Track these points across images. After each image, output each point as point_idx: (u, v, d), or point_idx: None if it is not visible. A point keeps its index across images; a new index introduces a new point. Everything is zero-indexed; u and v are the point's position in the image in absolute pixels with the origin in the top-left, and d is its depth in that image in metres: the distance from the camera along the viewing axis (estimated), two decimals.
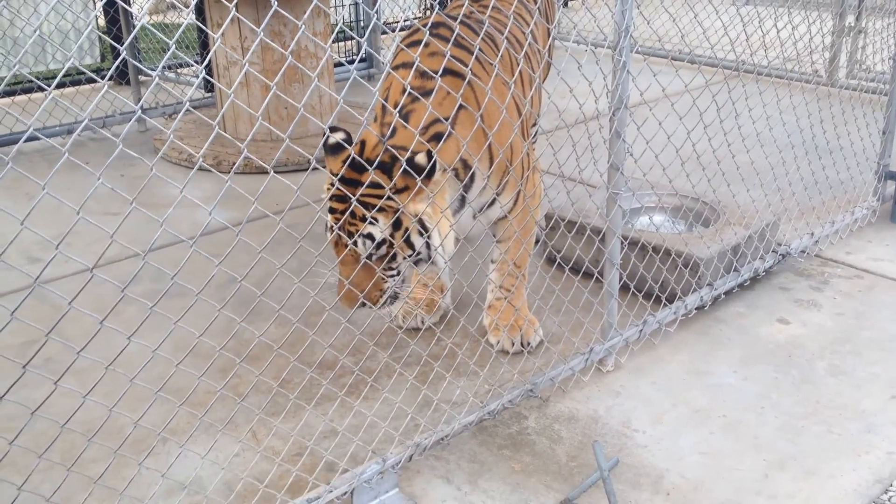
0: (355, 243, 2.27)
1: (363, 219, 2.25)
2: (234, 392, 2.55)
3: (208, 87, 5.71)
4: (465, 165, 2.49)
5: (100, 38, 6.33)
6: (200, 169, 4.39)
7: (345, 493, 2.20)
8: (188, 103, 1.68)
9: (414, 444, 2.32)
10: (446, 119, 2.33)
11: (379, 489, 2.27)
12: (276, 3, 1.74)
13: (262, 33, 1.78)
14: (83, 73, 5.41)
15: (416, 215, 2.31)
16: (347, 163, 2.27)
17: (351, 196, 2.19)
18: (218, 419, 2.42)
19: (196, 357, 1.99)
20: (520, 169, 2.69)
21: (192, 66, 6.01)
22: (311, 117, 2.04)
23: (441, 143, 2.31)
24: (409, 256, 2.35)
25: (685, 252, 3.06)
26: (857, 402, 2.67)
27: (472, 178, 2.54)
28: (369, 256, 2.30)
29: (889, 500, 2.29)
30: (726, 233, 3.23)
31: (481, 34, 2.50)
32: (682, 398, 2.70)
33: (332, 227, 2.31)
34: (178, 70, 6.04)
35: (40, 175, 1.43)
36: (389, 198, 2.23)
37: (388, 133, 2.39)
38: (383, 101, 2.55)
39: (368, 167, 2.18)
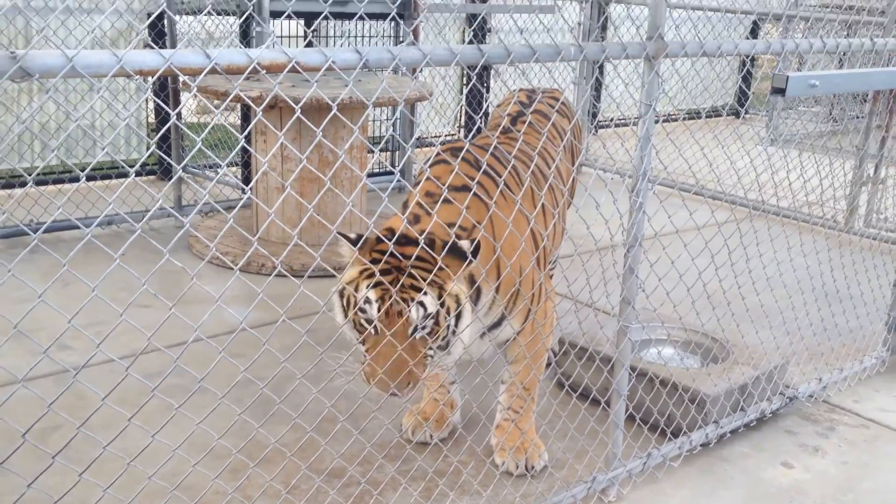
0: (408, 307, 2.32)
1: (414, 288, 2.33)
2: (244, 494, 2.61)
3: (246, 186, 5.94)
4: (472, 280, 2.59)
5: (147, 135, 6.64)
6: (229, 268, 4.52)
7: None
8: (229, 211, 1.82)
9: None
10: (461, 227, 2.50)
11: None
12: (321, 129, 1.90)
13: (305, 159, 1.94)
14: (128, 166, 5.69)
15: (455, 296, 2.41)
16: (394, 240, 2.37)
17: (403, 268, 2.32)
18: None
19: (211, 456, 2.07)
20: (531, 298, 2.79)
21: (233, 167, 6.28)
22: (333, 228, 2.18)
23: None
24: (443, 339, 2.42)
25: (692, 387, 3.13)
26: None
27: (477, 293, 2.62)
28: (414, 330, 2.35)
29: None
30: (734, 371, 3.30)
31: (507, 167, 2.67)
32: None
33: (377, 300, 2.34)
34: (218, 170, 6.30)
35: (78, 264, 1.57)
36: (437, 274, 2.35)
37: (413, 220, 2.53)
38: (419, 200, 2.67)
39: (419, 242, 2.33)
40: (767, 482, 3.03)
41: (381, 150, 6.90)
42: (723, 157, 3.76)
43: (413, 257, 2.35)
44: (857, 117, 7.41)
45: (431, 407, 3.07)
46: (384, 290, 2.33)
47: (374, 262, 2.34)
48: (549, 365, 3.49)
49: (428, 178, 2.72)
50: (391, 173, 6.69)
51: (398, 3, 2.50)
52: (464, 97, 7.51)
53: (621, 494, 2.89)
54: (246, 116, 6.14)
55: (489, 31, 7.65)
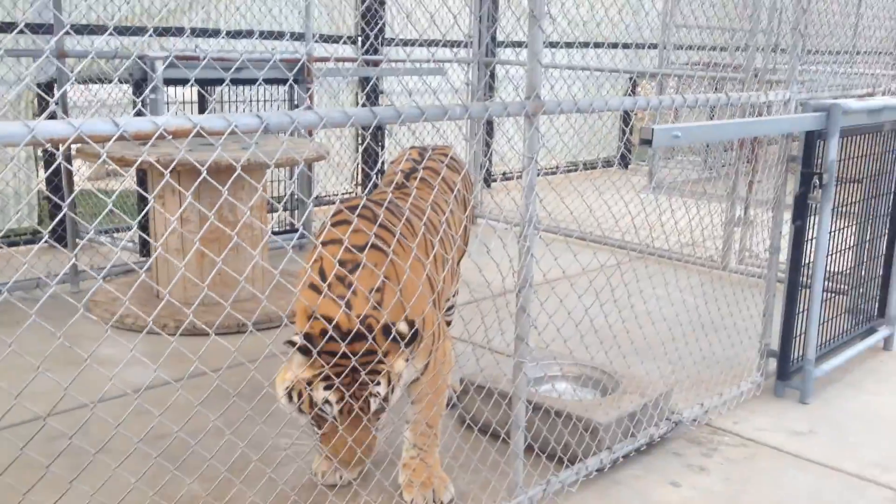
0: (368, 404, 2.61)
1: (371, 382, 2.60)
2: None
3: (143, 251, 5.95)
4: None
5: (39, 202, 6.57)
6: (131, 329, 4.53)
7: None
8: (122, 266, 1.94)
9: None
10: (377, 290, 2.67)
11: None
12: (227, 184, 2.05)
13: (213, 216, 2.08)
14: (20, 234, 5.60)
15: (399, 373, 2.68)
16: (339, 336, 2.57)
17: (355, 366, 2.56)
18: None
19: None
20: (431, 338, 2.98)
21: (129, 230, 6.27)
22: (247, 285, 2.32)
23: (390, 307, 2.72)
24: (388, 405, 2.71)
25: (585, 417, 3.34)
26: None
27: None
28: (374, 414, 2.65)
29: None
30: (624, 400, 3.54)
31: (402, 219, 2.87)
32: None
33: (336, 402, 2.59)
34: (115, 234, 6.28)
35: None
36: (381, 361, 2.61)
37: (346, 306, 2.67)
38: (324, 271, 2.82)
39: (362, 335, 2.59)
40: (658, 501, 3.26)
41: (282, 210, 7.01)
42: (605, 205, 4.07)
43: (363, 353, 2.59)
44: (728, 164, 7.98)
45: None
46: (343, 392, 2.59)
47: (326, 361, 2.57)
48: (450, 403, 3.65)
49: (335, 241, 2.84)
50: (293, 231, 6.80)
51: (293, 69, 2.69)
52: (360, 156, 7.72)
53: None
54: (142, 181, 6.16)
55: (381, 93, 7.92)
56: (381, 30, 7.90)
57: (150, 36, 6.35)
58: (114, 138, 1.90)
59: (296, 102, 6.80)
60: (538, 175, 3.03)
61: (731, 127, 3.66)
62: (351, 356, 2.57)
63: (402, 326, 2.64)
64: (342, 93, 7.77)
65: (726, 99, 3.81)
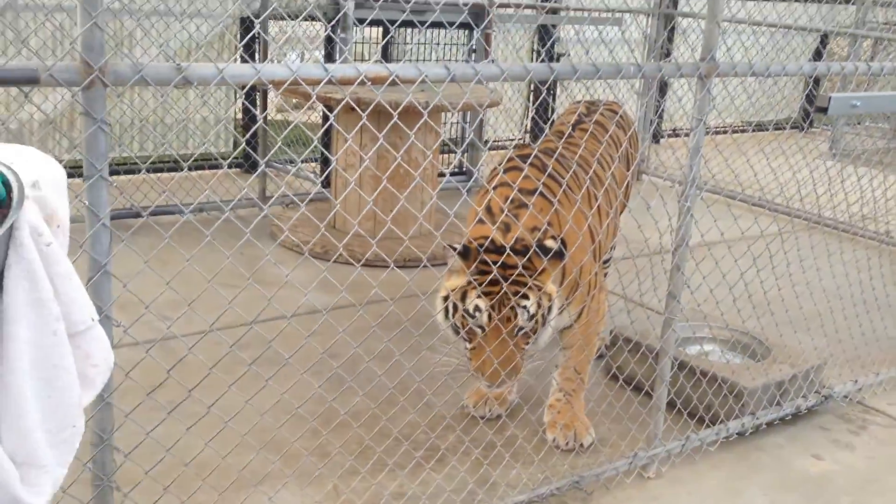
0: (515, 314, 2.76)
1: (521, 295, 2.75)
2: (323, 451, 2.99)
3: (325, 182, 6.37)
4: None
5: (235, 129, 7.13)
6: (313, 256, 4.94)
7: None
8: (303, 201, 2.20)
9: None
10: (536, 229, 2.86)
11: None
12: (396, 117, 2.27)
13: (400, 154, 2.30)
14: (218, 158, 6.13)
15: (550, 295, 2.84)
16: (496, 251, 2.78)
17: (508, 276, 2.72)
18: (306, 472, 2.85)
19: (295, 419, 2.49)
20: (587, 287, 3.13)
21: (314, 162, 6.71)
22: (420, 218, 2.55)
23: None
24: (537, 333, 2.86)
25: (731, 380, 3.41)
26: None
27: None
28: (519, 330, 2.79)
29: None
30: (773, 369, 3.57)
31: (569, 170, 3.01)
32: None
33: (486, 308, 2.77)
34: (301, 165, 6.75)
35: (173, 246, 1.97)
36: (536, 278, 2.78)
37: (504, 229, 2.88)
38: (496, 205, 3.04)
39: (518, 251, 2.76)
40: (798, 470, 3.30)
41: (452, 152, 7.27)
42: (782, 170, 4.03)
43: (515, 266, 2.74)
44: None
45: None
46: (493, 298, 2.75)
47: (481, 272, 2.75)
48: (599, 356, 3.80)
49: (505, 184, 3.06)
50: (461, 173, 7.05)
51: (476, 14, 2.89)
52: (532, 107, 7.82)
53: (660, 472, 3.20)
54: (326, 116, 6.56)
55: (558, 40, 7.96)
56: None
57: None
58: (323, 82, 2.15)
59: (474, 47, 6.97)
60: (707, 134, 3.08)
61: None
62: (504, 267, 2.74)
63: (550, 242, 2.79)
64: (518, 38, 7.87)
65: None
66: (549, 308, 2.85)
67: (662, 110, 7.77)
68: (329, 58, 6.36)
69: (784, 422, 3.58)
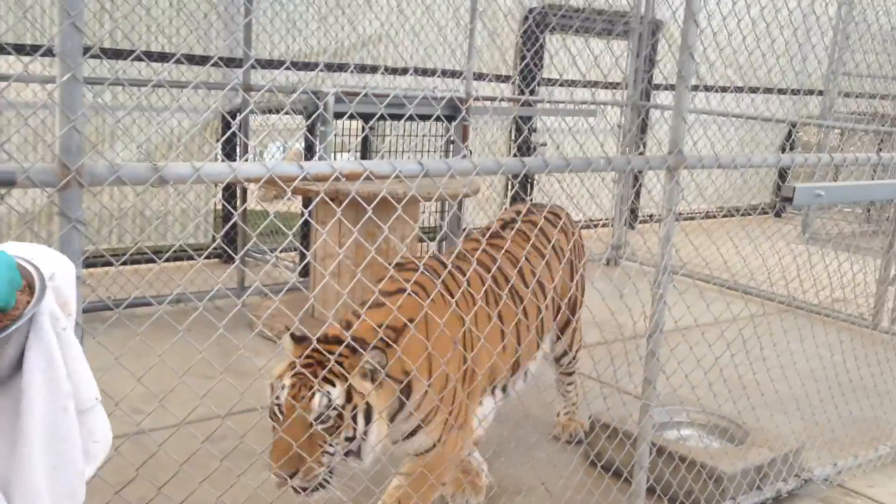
0: (312, 396, 2.48)
1: (324, 379, 2.50)
2: None
3: (303, 273, 6.41)
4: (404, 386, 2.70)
5: (214, 220, 7.20)
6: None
7: None
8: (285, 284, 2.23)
9: None
10: (391, 327, 2.66)
11: None
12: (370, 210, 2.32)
13: (356, 233, 2.35)
14: (197, 250, 6.17)
15: (364, 395, 2.54)
16: (325, 341, 2.59)
17: (322, 362, 2.51)
18: None
19: None
20: (447, 412, 2.81)
21: (293, 251, 6.77)
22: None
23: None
24: (348, 440, 2.53)
25: (710, 465, 3.41)
26: None
27: (408, 389, 2.71)
28: (318, 418, 2.48)
29: None
30: (752, 452, 3.57)
31: (462, 280, 2.92)
32: None
33: (289, 387, 2.52)
34: (279, 255, 6.80)
35: (149, 338, 1.99)
36: (342, 366, 2.53)
37: (346, 325, 2.71)
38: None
39: (342, 341, 2.54)
40: None
41: (430, 241, 7.35)
42: (745, 254, 4.12)
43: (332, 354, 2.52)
44: (889, 219, 7.70)
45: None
46: (298, 377, 2.51)
47: (306, 360, 2.54)
48: (576, 440, 3.79)
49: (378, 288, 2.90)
50: None
51: (453, 107, 2.98)
52: (508, 201, 7.98)
53: None
54: (306, 205, 6.65)
55: (534, 130, 8.16)
56: (537, 70, 8.16)
57: (322, 71, 6.87)
58: (298, 179, 2.22)
59: (452, 138, 7.14)
60: (679, 221, 3.16)
61: (878, 188, 3.65)
62: (320, 354, 2.54)
63: (368, 335, 2.59)
64: (496, 129, 8.07)
65: (877, 159, 3.79)
66: (367, 413, 2.55)
67: (637, 196, 7.93)
68: (310, 150, 6.49)
69: None
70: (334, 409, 2.50)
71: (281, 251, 6.87)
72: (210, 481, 2.32)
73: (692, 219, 3.91)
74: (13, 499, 1.21)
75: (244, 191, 6.58)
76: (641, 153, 2.83)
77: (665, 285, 3.12)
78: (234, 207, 6.60)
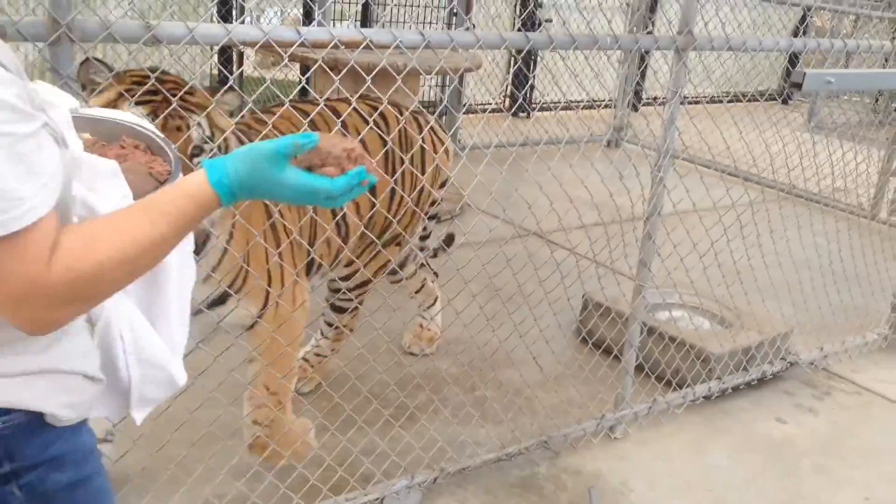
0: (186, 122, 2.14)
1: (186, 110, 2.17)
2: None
3: None
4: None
5: (210, 85, 7.06)
6: None
7: (377, 499, 2.65)
8: None
9: (439, 469, 2.77)
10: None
11: (405, 501, 2.70)
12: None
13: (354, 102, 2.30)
14: None
15: (223, 128, 2.24)
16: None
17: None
18: None
19: None
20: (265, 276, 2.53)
21: None
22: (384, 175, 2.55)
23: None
24: None
25: (699, 346, 3.47)
26: (832, 497, 3.02)
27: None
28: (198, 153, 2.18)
29: None
30: (741, 335, 3.63)
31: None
32: (678, 470, 3.08)
33: (148, 115, 2.10)
34: None
35: None
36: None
37: None
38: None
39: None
40: (761, 433, 3.38)
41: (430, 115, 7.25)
42: (750, 140, 4.06)
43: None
44: (895, 109, 7.59)
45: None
46: (154, 106, 2.09)
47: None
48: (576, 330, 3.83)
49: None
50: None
51: None
52: (510, 76, 7.81)
53: (627, 433, 3.26)
54: (304, 73, 6.52)
55: (540, 5, 7.91)
56: None
57: None
58: (296, 44, 2.15)
59: (455, 10, 6.93)
60: (684, 104, 3.10)
61: (889, 77, 3.57)
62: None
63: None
64: (500, 2, 7.82)
65: (891, 47, 3.68)
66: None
67: (643, 77, 7.78)
68: (308, 16, 6.30)
69: (750, 386, 3.65)
70: (205, 141, 2.17)
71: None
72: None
73: (697, 102, 3.84)
74: (158, 327, 1.40)
75: (240, 55, 6.43)
76: (650, 32, 2.75)
77: (665, 169, 3.09)
78: (231, 73, 6.45)
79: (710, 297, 3.88)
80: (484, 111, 6.29)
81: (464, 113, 6.09)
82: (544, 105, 7.73)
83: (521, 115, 7.76)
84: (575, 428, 3.09)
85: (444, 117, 7.24)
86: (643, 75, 8.37)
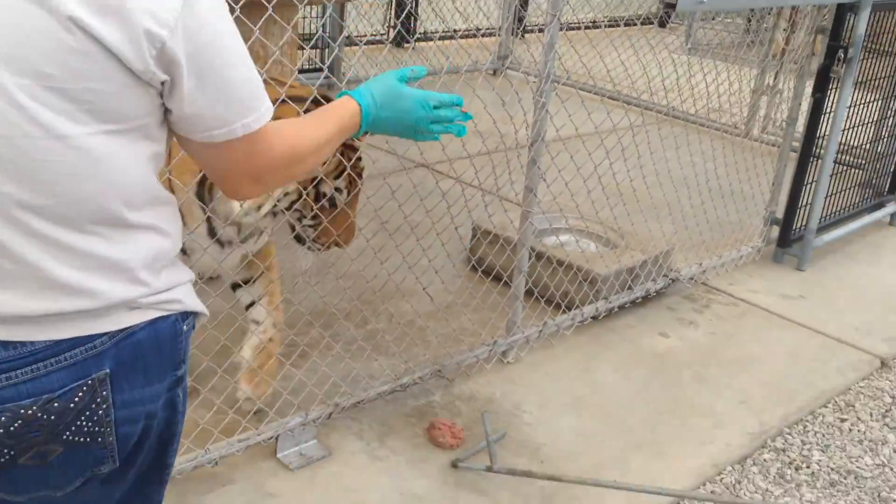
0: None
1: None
2: None
3: None
4: None
5: None
6: None
7: (270, 438, 2.63)
8: None
9: (333, 404, 2.76)
10: None
11: (300, 438, 2.69)
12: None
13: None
14: None
15: None
16: None
17: None
18: None
19: None
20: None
21: None
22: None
23: None
24: None
25: (586, 268, 3.55)
26: (711, 404, 3.18)
27: None
28: None
29: (720, 480, 2.79)
30: (625, 256, 3.73)
31: None
32: (568, 388, 3.18)
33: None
34: None
35: None
36: None
37: None
38: None
39: None
40: (646, 348, 3.51)
41: (310, 48, 7.05)
42: (627, 63, 4.12)
43: None
44: (766, 29, 7.82)
45: None
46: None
47: None
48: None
49: None
50: (319, 70, 6.87)
51: None
52: (393, 9, 7.65)
53: (519, 357, 3.33)
54: None
55: None
56: None
57: None
58: None
59: None
60: (564, 30, 3.10)
61: None
62: None
63: None
64: None
65: None
66: None
67: (525, 5, 7.75)
68: None
69: (635, 304, 3.77)
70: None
71: None
72: None
73: (577, 28, 3.86)
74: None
75: None
76: None
77: (547, 94, 3.10)
78: None
79: (595, 219, 3.96)
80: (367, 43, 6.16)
81: (345, 46, 5.94)
82: (427, 34, 7.63)
83: (405, 45, 7.64)
84: (468, 355, 3.14)
85: (325, 51, 7.06)
86: (525, 2, 8.34)
